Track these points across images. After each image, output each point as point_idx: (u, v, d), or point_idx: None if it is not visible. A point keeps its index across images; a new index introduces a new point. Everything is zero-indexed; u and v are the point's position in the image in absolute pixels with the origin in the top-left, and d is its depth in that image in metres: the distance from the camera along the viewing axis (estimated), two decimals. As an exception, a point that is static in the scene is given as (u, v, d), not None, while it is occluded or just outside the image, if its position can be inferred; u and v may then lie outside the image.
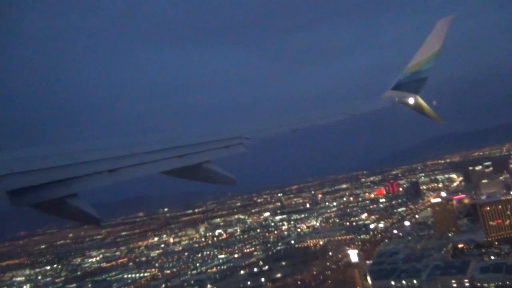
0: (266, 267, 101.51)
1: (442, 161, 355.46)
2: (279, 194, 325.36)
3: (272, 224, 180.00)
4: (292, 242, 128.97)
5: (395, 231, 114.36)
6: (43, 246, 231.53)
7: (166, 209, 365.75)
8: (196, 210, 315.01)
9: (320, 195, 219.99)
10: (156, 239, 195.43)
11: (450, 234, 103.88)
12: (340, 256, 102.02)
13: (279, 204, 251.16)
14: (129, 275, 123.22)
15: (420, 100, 16.03)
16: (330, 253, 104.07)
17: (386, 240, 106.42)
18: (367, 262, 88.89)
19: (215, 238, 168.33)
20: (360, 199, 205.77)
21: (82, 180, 6.11)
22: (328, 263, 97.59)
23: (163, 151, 7.94)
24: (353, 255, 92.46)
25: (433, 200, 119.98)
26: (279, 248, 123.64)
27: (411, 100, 15.84)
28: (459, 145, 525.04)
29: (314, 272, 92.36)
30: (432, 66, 15.76)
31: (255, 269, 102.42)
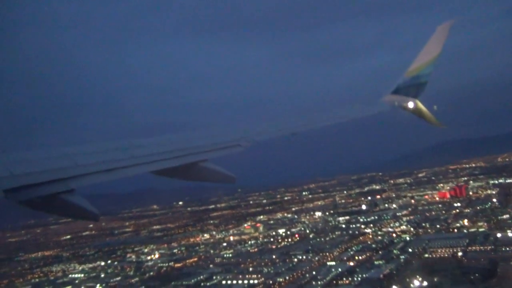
0: (425, 283, 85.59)
1: (467, 166, 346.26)
2: (304, 193, 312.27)
3: (343, 226, 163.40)
4: (410, 250, 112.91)
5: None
6: (68, 237, 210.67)
7: (180, 203, 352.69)
8: (219, 206, 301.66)
9: (378, 196, 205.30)
10: (206, 235, 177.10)
11: None
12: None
13: (319, 203, 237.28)
14: (228, 281, 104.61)
15: (420, 105, 16.50)
16: (499, 270, 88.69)
17: None
18: None
19: (288, 239, 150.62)
20: (424, 202, 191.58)
21: (79, 179, 6.24)
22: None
23: (162, 153, 8.00)
24: None
25: None
26: (402, 257, 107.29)
27: (410, 105, 16.36)
28: (470, 150, 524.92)
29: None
30: (432, 71, 15.86)
31: (412, 285, 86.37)
